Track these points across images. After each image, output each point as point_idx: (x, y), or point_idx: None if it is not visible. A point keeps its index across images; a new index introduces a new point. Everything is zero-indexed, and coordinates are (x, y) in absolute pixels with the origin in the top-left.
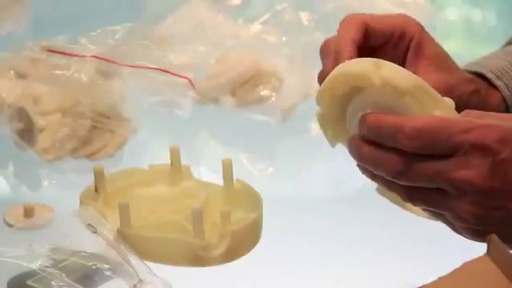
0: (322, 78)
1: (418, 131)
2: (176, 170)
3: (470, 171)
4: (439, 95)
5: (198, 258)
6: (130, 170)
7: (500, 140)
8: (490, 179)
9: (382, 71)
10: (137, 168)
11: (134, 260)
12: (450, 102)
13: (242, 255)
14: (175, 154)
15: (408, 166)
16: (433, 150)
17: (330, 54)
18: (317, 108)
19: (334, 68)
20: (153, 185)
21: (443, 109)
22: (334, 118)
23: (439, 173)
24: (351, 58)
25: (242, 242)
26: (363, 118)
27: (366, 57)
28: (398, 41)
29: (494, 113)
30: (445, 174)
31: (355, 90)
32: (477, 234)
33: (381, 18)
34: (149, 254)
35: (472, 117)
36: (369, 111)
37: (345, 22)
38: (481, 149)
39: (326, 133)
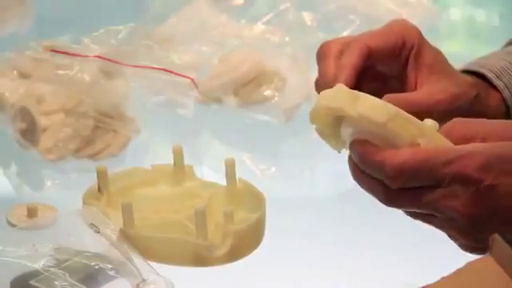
0: (319, 85)
1: (399, 170)
2: (179, 169)
3: (455, 201)
4: (419, 121)
5: (200, 258)
6: (132, 170)
7: (481, 168)
8: (476, 206)
9: (359, 106)
10: (140, 168)
11: (137, 260)
12: (432, 124)
13: (245, 255)
14: (178, 154)
15: (395, 196)
16: (416, 184)
17: (329, 57)
18: None
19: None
20: (156, 185)
21: (426, 134)
22: (331, 133)
23: (426, 203)
24: (346, 83)
25: (245, 241)
26: (351, 147)
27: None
28: (399, 51)
29: (480, 120)
30: (431, 203)
31: (341, 116)
32: (471, 249)
33: (382, 34)
34: (151, 254)
35: (458, 128)
36: (357, 136)
37: (349, 48)
38: (462, 180)
39: (329, 143)
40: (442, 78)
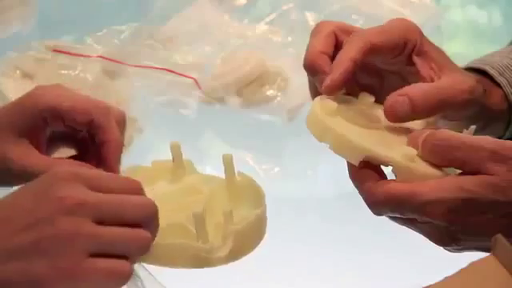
0: (312, 92)
1: (374, 206)
2: (178, 165)
3: (428, 235)
4: (388, 153)
5: (202, 261)
6: (134, 169)
7: (445, 214)
8: (444, 242)
9: (328, 139)
10: (140, 166)
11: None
12: (406, 154)
13: (248, 253)
14: (176, 149)
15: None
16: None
17: (320, 34)
18: None
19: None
20: (156, 182)
21: (399, 168)
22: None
23: (407, 223)
24: (341, 76)
25: (247, 240)
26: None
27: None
28: (401, 50)
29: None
30: (412, 226)
31: None
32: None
33: (383, 31)
34: (151, 258)
35: (439, 152)
36: None
37: (349, 42)
38: (430, 222)
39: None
40: (452, 73)
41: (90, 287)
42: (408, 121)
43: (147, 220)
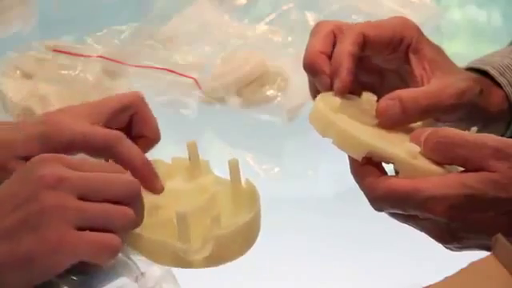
0: (312, 92)
1: (375, 202)
2: (195, 164)
3: (429, 232)
4: (392, 149)
5: (180, 261)
6: (153, 162)
7: (447, 210)
8: (445, 240)
9: (331, 134)
10: (160, 160)
11: (133, 254)
12: (409, 150)
13: (233, 259)
14: (193, 148)
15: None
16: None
17: (319, 34)
18: None
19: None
20: (174, 178)
21: (401, 165)
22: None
23: (408, 219)
24: (349, 77)
25: (231, 246)
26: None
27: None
28: (396, 46)
29: (463, 139)
30: (413, 223)
31: None
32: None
33: (377, 25)
34: (139, 249)
35: (442, 149)
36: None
37: (343, 35)
38: (431, 219)
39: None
40: (447, 73)
41: (79, 259)
42: (401, 124)
43: (130, 197)
